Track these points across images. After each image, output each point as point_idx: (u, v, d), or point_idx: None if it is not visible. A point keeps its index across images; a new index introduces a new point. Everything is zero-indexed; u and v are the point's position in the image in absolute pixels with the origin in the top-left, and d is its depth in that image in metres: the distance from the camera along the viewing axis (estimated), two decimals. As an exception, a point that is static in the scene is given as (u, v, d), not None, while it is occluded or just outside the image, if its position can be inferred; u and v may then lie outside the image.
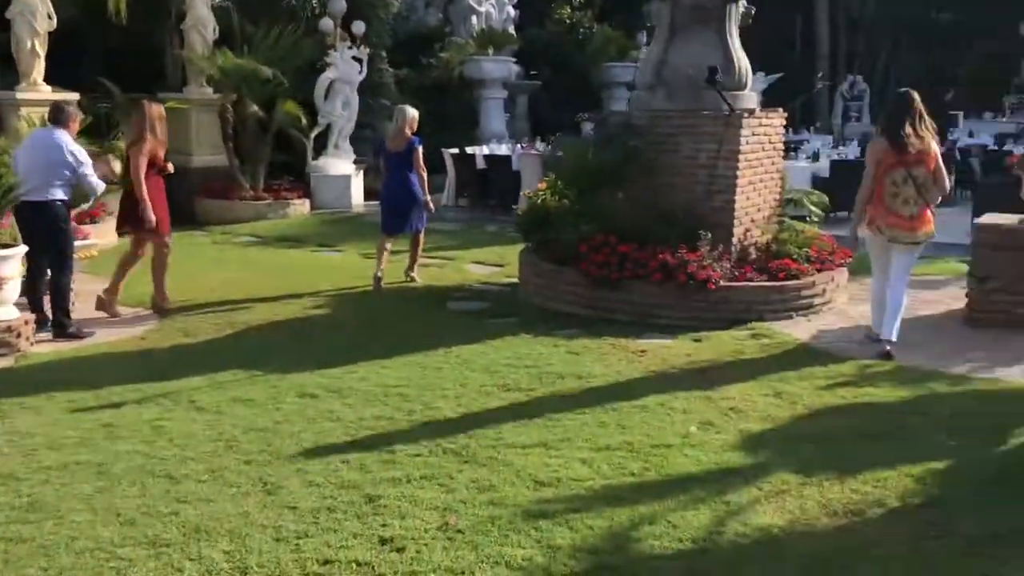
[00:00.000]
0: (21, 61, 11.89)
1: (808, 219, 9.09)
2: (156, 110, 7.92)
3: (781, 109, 8.86)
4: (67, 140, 7.22)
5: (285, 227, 13.12)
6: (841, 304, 7.98)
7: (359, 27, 15.19)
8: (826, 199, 9.36)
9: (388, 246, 9.04)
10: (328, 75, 15.01)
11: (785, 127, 8.84)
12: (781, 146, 8.83)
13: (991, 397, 5.65)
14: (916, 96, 6.58)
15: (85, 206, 10.04)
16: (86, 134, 10.10)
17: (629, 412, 5.33)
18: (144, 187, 7.55)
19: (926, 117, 6.56)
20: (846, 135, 19.48)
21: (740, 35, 8.49)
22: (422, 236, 9.35)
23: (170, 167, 8.03)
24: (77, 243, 8.03)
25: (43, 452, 4.73)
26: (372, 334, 7.19)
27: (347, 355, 6.49)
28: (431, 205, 9.28)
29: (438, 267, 10.03)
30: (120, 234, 8.54)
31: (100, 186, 7.50)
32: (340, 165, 15.24)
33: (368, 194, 15.23)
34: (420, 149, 9.00)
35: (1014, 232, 7.34)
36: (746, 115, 7.88)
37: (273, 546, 3.71)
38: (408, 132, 8.99)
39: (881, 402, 5.54)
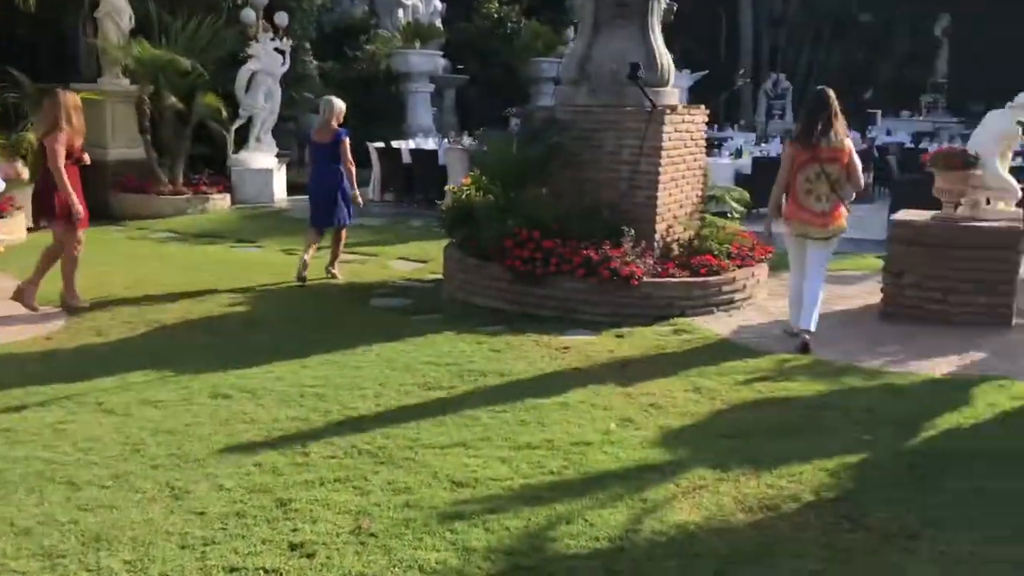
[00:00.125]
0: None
1: (730, 215, 9.18)
2: (71, 99, 7.63)
3: (703, 106, 8.93)
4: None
5: (204, 222, 12.81)
6: (761, 299, 8.08)
7: (282, 18, 14.92)
8: (747, 196, 9.47)
9: (316, 239, 8.96)
10: (250, 67, 14.71)
11: (709, 124, 8.91)
12: (703, 142, 8.91)
13: (903, 391, 5.76)
14: (832, 94, 6.69)
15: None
16: (-7, 125, 9.72)
17: (550, 409, 5.30)
18: (66, 177, 7.28)
19: (840, 115, 6.68)
20: (769, 132, 19.80)
21: (666, 34, 8.53)
22: (344, 232, 9.21)
23: (86, 158, 7.76)
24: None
25: (-65, 459, 4.50)
26: (290, 332, 7.03)
27: (264, 354, 6.32)
28: (360, 199, 9.17)
29: (360, 263, 9.88)
30: (38, 227, 8.20)
31: (1, 186, 7.20)
32: (262, 159, 14.95)
33: (291, 188, 14.99)
34: (347, 141, 8.88)
35: (927, 228, 7.51)
36: (668, 111, 7.91)
37: (178, 554, 3.57)
38: (335, 124, 8.89)
39: (797, 396, 5.60)
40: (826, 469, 4.47)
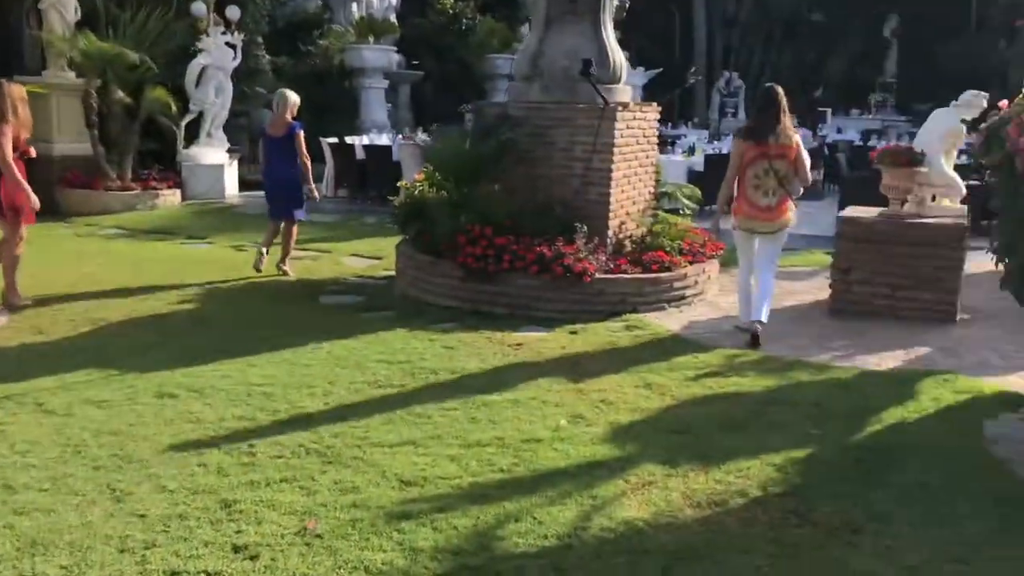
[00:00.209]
0: None
1: (681, 212, 9.25)
2: (17, 90, 7.43)
3: (656, 103, 8.97)
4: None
5: (154, 218, 12.60)
6: (712, 295, 8.13)
7: (233, 12, 14.73)
8: (699, 192, 9.54)
9: (276, 233, 9.03)
10: (200, 61, 14.51)
11: (663, 122, 8.95)
12: (656, 139, 8.94)
13: (851, 385, 5.82)
14: (780, 91, 6.75)
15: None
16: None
17: (501, 407, 5.27)
18: (15, 169, 7.11)
19: (788, 111, 6.74)
20: (722, 130, 19.99)
21: (621, 32, 8.55)
22: (295, 228, 9.11)
23: (32, 151, 7.59)
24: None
25: None
26: (239, 330, 6.93)
27: (212, 352, 6.22)
28: (315, 192, 9.14)
29: (313, 260, 9.78)
30: None
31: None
32: (213, 154, 14.75)
33: (243, 184, 14.81)
34: (302, 135, 8.83)
35: (874, 225, 7.61)
36: (621, 108, 7.92)
37: (116, 558, 3.49)
38: (289, 117, 8.84)
39: (747, 392, 5.64)
40: (774, 464, 4.50)
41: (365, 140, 15.40)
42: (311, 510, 3.90)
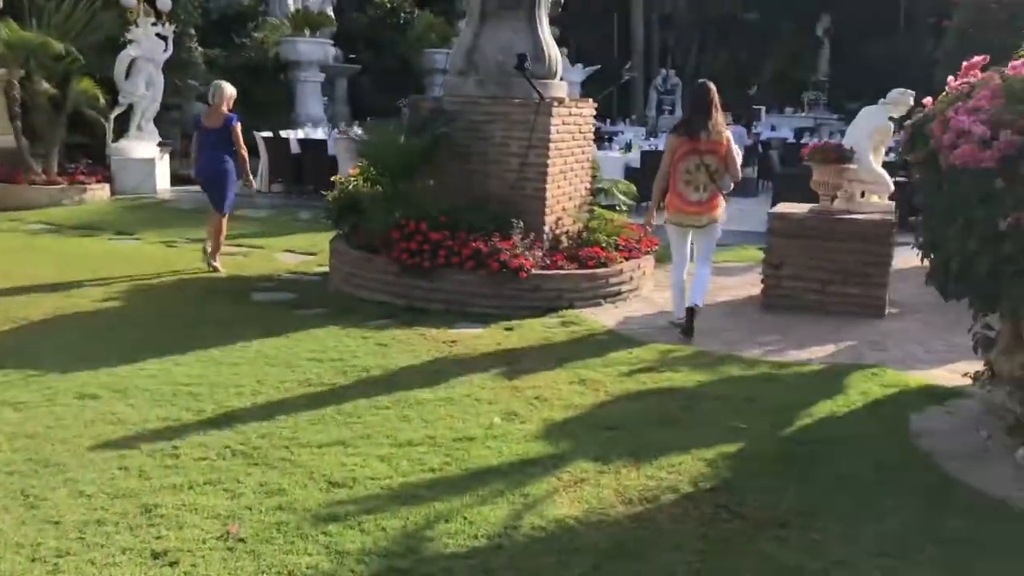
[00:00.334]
0: None
1: (618, 208, 9.27)
2: None
3: (592, 99, 8.97)
4: None
5: (81, 213, 12.26)
6: (647, 291, 8.17)
7: (164, 2, 14.37)
8: (634, 188, 9.59)
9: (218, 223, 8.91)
10: (130, 52, 14.17)
11: (600, 118, 8.96)
12: (592, 135, 8.94)
13: (781, 379, 5.88)
14: (712, 87, 6.79)
15: None
16: None
17: (434, 405, 5.21)
18: None
19: (720, 108, 6.79)
20: (659, 127, 20.14)
21: (559, 29, 8.52)
22: (225, 221, 8.93)
23: None
24: None
25: None
26: (166, 328, 6.75)
27: (136, 351, 6.04)
28: (253, 183, 9.10)
29: (244, 255, 9.59)
30: None
31: None
32: (143, 148, 14.41)
33: (175, 179, 14.49)
34: (238, 127, 8.71)
35: (804, 221, 7.71)
36: (556, 104, 7.90)
37: (27, 567, 3.35)
38: (225, 109, 8.73)
39: (679, 387, 5.66)
40: (705, 459, 4.52)
41: (300, 134, 15.17)
42: (235, 513, 3.79)
